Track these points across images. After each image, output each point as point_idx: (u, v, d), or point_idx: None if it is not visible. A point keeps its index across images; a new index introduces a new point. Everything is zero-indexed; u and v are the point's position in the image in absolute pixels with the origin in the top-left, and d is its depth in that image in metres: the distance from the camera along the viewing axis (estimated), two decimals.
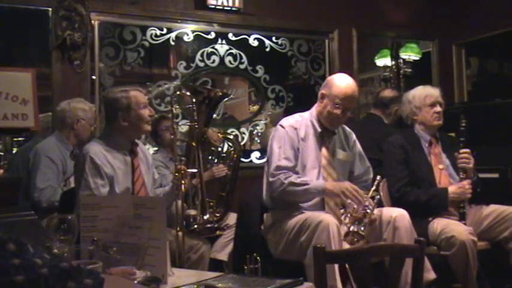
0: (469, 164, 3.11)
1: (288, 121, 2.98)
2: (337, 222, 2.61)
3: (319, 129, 2.95)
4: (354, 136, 3.12)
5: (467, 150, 3.12)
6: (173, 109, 3.15)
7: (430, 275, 2.66)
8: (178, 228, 2.68)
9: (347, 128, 3.12)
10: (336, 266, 2.42)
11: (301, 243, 2.65)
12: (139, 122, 2.76)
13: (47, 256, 0.87)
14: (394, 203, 3.11)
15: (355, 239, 2.63)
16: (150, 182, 2.89)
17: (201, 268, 2.92)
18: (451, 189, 3.07)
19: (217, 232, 3.25)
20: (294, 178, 2.78)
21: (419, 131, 3.31)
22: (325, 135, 2.97)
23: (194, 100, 3.07)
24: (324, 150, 2.94)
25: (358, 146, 3.11)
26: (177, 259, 2.61)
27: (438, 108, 3.26)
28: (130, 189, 2.74)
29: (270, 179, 2.83)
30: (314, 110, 3.00)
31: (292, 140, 2.89)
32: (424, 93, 3.29)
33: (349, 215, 2.74)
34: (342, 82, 2.89)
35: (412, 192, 3.11)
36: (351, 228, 2.66)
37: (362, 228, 2.64)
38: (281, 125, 2.96)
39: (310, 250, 2.56)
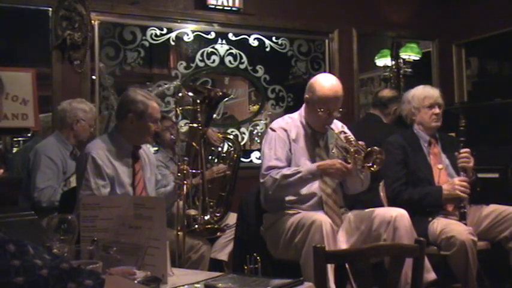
0: (469, 163, 3.11)
1: (278, 123, 2.97)
2: (331, 222, 2.61)
3: (309, 129, 2.95)
4: (346, 129, 3.06)
5: (468, 149, 3.11)
6: (177, 110, 3.14)
7: (430, 275, 2.65)
8: (178, 228, 2.68)
9: (338, 123, 3.06)
10: (329, 266, 2.41)
11: (296, 244, 2.65)
12: (144, 132, 2.76)
13: (47, 257, 0.87)
14: (390, 203, 3.12)
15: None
16: (152, 185, 2.89)
17: (201, 268, 2.92)
18: (444, 186, 3.07)
19: (218, 233, 3.26)
20: (285, 170, 2.76)
21: (419, 131, 3.31)
22: (317, 133, 2.96)
23: (195, 100, 3.07)
24: (317, 149, 2.93)
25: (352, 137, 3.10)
26: (176, 259, 2.61)
27: (437, 110, 3.25)
28: (131, 192, 2.73)
29: (261, 180, 2.82)
30: (303, 111, 2.99)
31: (283, 141, 2.87)
32: (423, 94, 3.29)
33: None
34: (323, 85, 2.84)
35: (407, 191, 3.11)
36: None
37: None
38: (271, 128, 2.95)
39: (304, 250, 2.56)
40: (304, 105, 2.98)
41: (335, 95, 2.83)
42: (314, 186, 2.85)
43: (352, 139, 2.77)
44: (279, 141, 2.87)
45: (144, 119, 2.72)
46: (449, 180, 3.17)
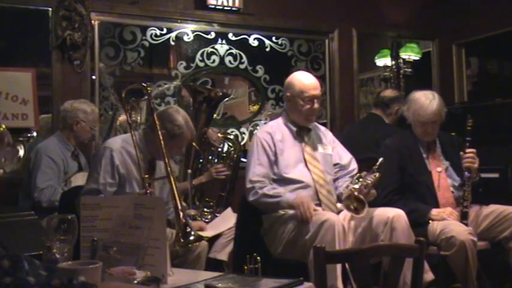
0: (474, 164, 3.08)
1: (262, 129, 3.16)
2: (342, 221, 2.62)
3: (294, 127, 3.04)
4: (330, 133, 3.22)
5: (474, 150, 3.08)
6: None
7: (428, 276, 2.66)
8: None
9: (321, 126, 3.21)
10: (338, 266, 2.42)
11: (305, 243, 2.65)
12: (168, 152, 2.67)
13: (43, 273, 0.84)
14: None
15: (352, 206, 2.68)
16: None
17: (198, 268, 2.92)
18: (434, 211, 3.04)
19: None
20: (267, 189, 2.83)
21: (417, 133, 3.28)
22: (302, 132, 3.05)
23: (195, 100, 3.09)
24: (303, 144, 3.01)
25: (336, 140, 3.20)
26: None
27: (429, 128, 3.19)
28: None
29: (247, 186, 2.89)
30: (284, 115, 3.10)
31: (267, 146, 2.94)
32: (418, 111, 3.17)
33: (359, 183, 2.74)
34: (299, 78, 3.03)
35: (397, 203, 3.04)
36: (355, 193, 2.68)
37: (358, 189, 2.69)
38: (256, 134, 3.08)
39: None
40: (285, 107, 3.11)
41: (315, 82, 3.01)
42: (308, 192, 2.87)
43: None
44: (261, 146, 2.95)
45: (174, 143, 2.75)
46: (452, 183, 3.18)
